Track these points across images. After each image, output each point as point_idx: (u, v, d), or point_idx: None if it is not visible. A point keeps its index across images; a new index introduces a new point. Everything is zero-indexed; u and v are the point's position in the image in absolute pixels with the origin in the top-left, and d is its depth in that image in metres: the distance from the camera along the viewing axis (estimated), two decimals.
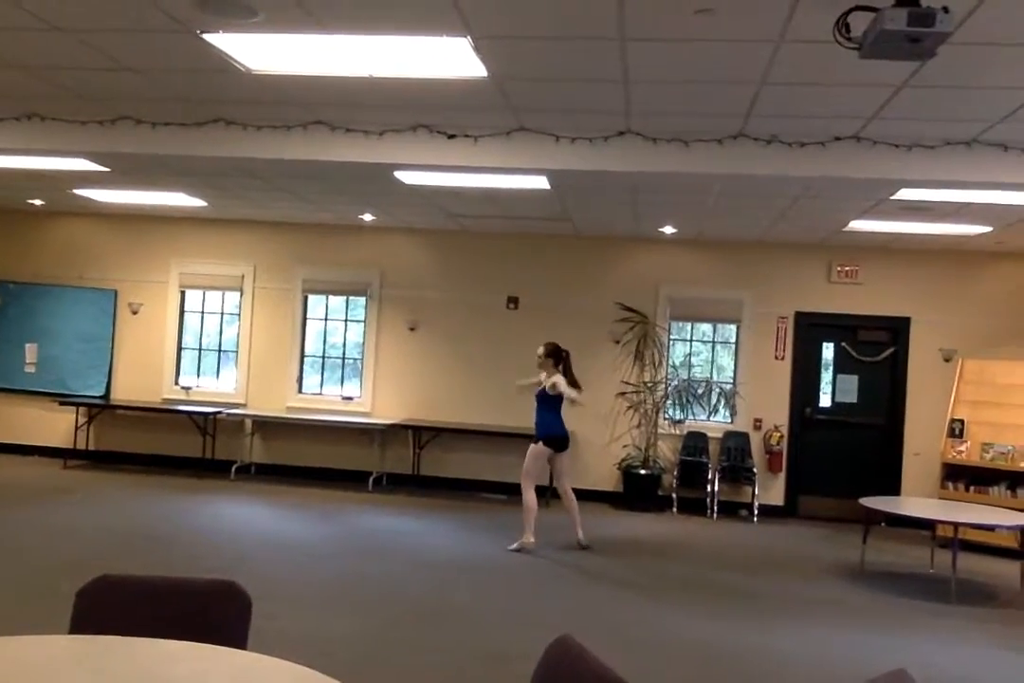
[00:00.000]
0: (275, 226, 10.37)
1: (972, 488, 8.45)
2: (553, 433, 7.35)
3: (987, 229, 8.01)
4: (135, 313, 10.57)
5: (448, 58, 4.46)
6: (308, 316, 10.52)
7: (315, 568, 6.35)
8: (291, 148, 5.95)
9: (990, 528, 7.46)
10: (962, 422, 8.72)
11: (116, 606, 2.57)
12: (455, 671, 4.53)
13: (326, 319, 10.59)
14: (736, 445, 9.58)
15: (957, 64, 4.08)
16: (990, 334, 9.39)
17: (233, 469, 9.95)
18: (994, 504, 7.73)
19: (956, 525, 6.68)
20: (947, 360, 9.40)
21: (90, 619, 2.50)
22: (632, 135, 5.57)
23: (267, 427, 10.23)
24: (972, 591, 6.76)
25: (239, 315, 10.49)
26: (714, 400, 9.53)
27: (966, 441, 8.63)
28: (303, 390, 10.43)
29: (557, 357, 7.40)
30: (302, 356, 10.45)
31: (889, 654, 5.13)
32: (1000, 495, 8.26)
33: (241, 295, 10.45)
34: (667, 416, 9.70)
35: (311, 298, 10.52)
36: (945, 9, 3.02)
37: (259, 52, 4.55)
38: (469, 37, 4.15)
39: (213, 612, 2.56)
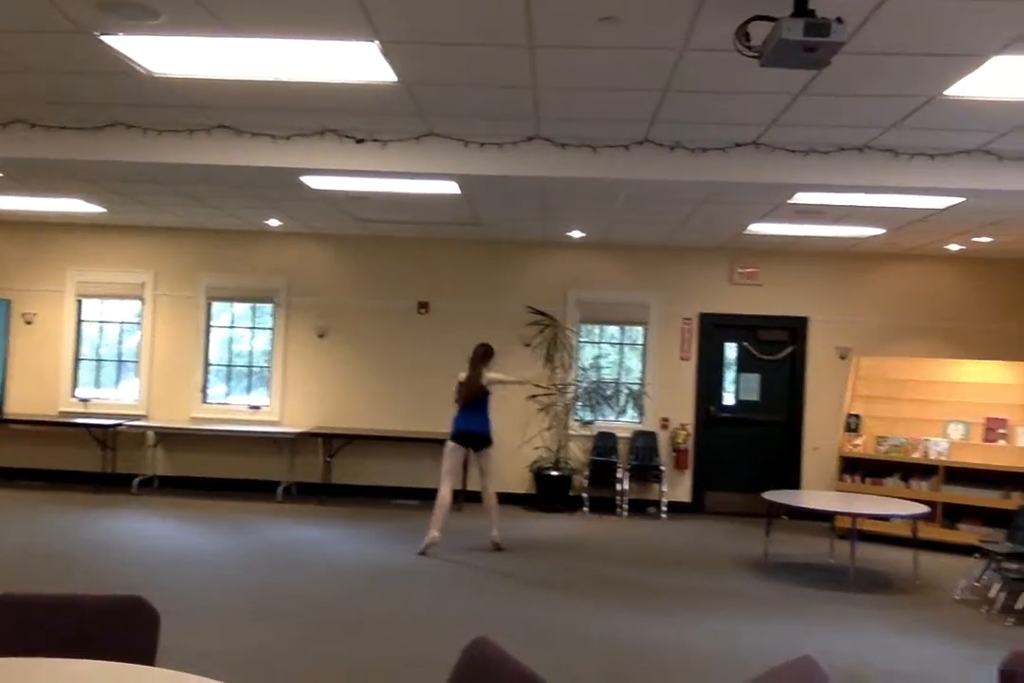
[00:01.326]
0: (177, 232, 10.12)
1: (868, 480, 8.82)
2: (458, 428, 7.45)
3: (879, 231, 8.38)
4: (29, 323, 10.16)
5: (357, 62, 4.44)
6: (212, 324, 10.29)
7: (224, 581, 6.22)
8: (194, 153, 5.82)
9: (885, 518, 7.80)
10: (858, 417, 9.09)
11: (17, 626, 2.48)
12: (369, 681, 4.50)
13: (232, 327, 10.38)
14: (644, 444, 9.77)
15: (850, 73, 4.27)
16: (883, 332, 9.82)
17: (135, 483, 9.65)
18: (889, 495, 8.09)
19: (854, 516, 6.97)
20: (843, 358, 9.78)
21: None
22: (541, 140, 5.64)
23: (170, 439, 9.96)
24: (869, 579, 7.05)
25: (140, 324, 10.19)
26: (623, 401, 9.72)
27: (862, 435, 9.00)
28: (208, 400, 10.19)
29: (474, 359, 7.57)
30: (207, 365, 10.22)
31: (792, 642, 5.32)
32: (894, 486, 8.63)
33: (142, 303, 10.16)
34: (577, 417, 9.84)
35: (215, 305, 10.29)
36: (839, 20, 3.16)
37: (161, 54, 4.44)
38: (378, 42, 4.15)
39: (119, 629, 2.49)
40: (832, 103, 4.77)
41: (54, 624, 2.51)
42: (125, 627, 2.53)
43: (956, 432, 8.62)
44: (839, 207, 7.18)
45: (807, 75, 4.28)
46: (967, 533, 8.09)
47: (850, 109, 4.86)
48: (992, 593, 6.31)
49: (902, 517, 7.37)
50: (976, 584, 6.65)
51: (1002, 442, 8.41)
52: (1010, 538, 6.66)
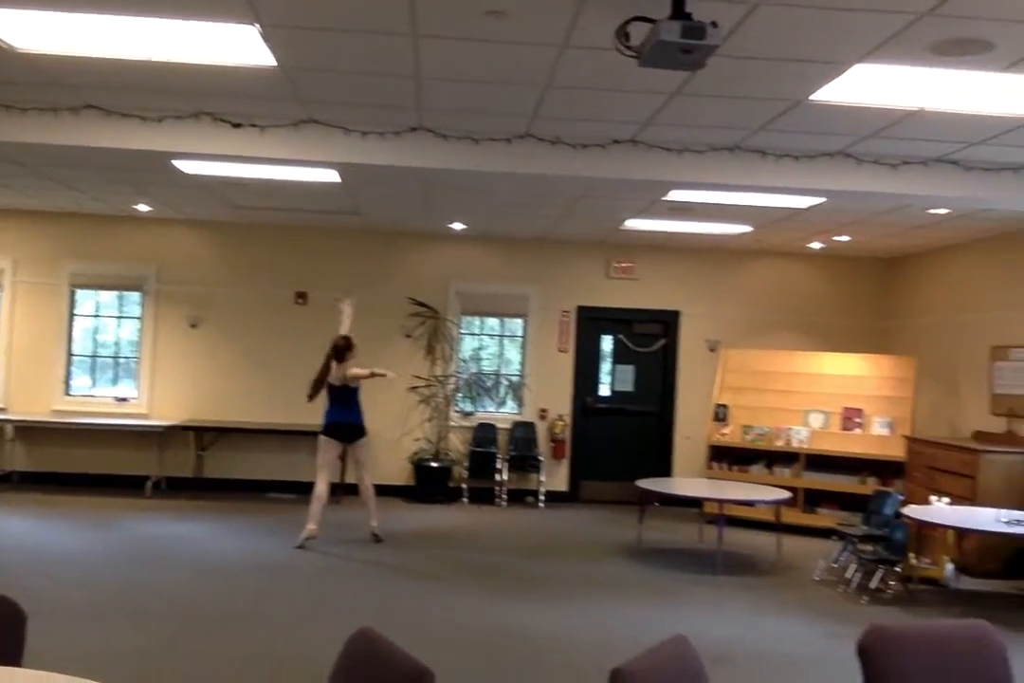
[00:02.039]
0: (39, 216, 9.62)
1: (735, 467, 9.20)
2: (330, 421, 7.42)
3: (747, 229, 8.72)
4: None
5: (235, 45, 4.34)
6: (76, 313, 9.84)
7: (92, 580, 5.99)
8: (60, 133, 5.55)
9: (751, 504, 8.15)
10: (725, 407, 9.45)
11: None
12: (247, 678, 4.43)
13: (97, 316, 9.96)
14: (523, 435, 9.90)
15: (722, 75, 4.44)
16: (750, 326, 10.24)
17: None
18: (754, 481, 8.46)
19: (721, 502, 7.26)
20: (712, 350, 10.15)
21: None
22: (424, 131, 5.63)
23: (31, 432, 9.48)
24: (736, 562, 7.36)
25: None
26: (502, 392, 9.83)
27: (729, 424, 9.37)
28: (71, 392, 9.75)
29: (338, 352, 7.56)
30: (70, 355, 9.77)
31: (665, 624, 5.50)
32: (759, 473, 9.03)
33: None
34: (458, 409, 9.88)
35: (80, 293, 9.85)
36: (714, 24, 3.29)
37: (26, 30, 4.22)
38: (258, 25, 4.06)
39: None
40: (705, 104, 4.95)
41: None
42: None
43: (816, 421, 9.08)
44: (710, 205, 7.44)
45: (682, 76, 4.42)
46: (826, 517, 8.53)
47: (722, 110, 5.05)
48: (848, 574, 6.68)
49: (766, 502, 7.73)
50: (834, 565, 7.03)
51: (858, 431, 8.91)
52: (865, 521, 7.07)
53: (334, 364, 7.46)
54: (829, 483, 8.73)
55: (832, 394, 9.14)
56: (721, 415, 9.44)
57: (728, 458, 9.27)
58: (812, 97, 4.72)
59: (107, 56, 4.56)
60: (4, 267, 9.59)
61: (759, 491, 7.69)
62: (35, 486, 9.25)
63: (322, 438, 7.41)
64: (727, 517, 7.44)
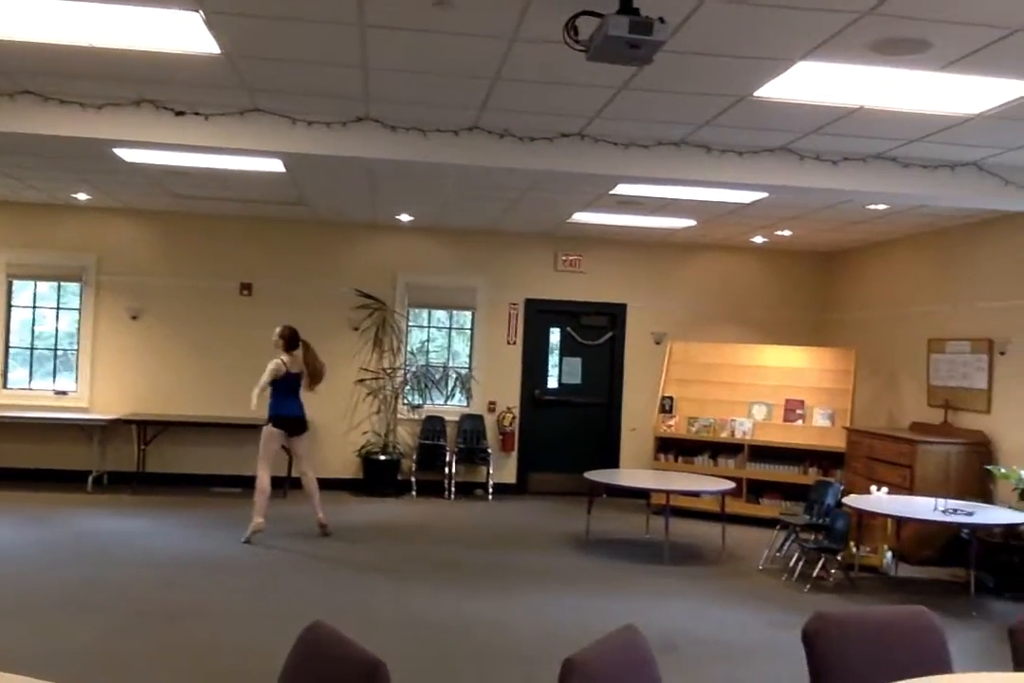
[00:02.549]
0: None
1: (681, 458, 9.31)
2: (281, 413, 7.33)
3: (692, 223, 8.82)
4: None
5: (178, 32, 4.25)
6: (13, 304, 9.60)
7: (33, 578, 5.86)
8: None
9: (696, 494, 8.27)
10: (671, 399, 9.56)
11: None
12: (197, 673, 4.39)
13: (34, 307, 9.72)
14: (472, 427, 9.91)
15: (669, 71, 4.47)
16: (694, 319, 10.36)
17: None
18: (699, 472, 8.59)
19: (667, 493, 7.35)
20: (658, 343, 10.26)
21: None
22: (370, 122, 5.58)
23: None
24: (682, 552, 7.46)
25: None
26: (451, 385, 9.81)
27: (675, 416, 9.48)
28: (8, 385, 9.52)
29: (291, 341, 7.40)
30: (7, 348, 9.53)
31: (613, 614, 5.55)
32: (704, 464, 9.16)
33: None
34: (406, 401, 9.85)
35: (16, 284, 9.60)
36: (661, 19, 3.31)
37: None
38: (201, 11, 3.99)
39: None
40: (652, 99, 4.98)
41: None
42: None
43: (759, 413, 9.23)
44: (657, 199, 7.51)
45: (629, 71, 4.45)
46: (769, 507, 8.70)
47: (668, 105, 5.09)
48: (792, 562, 6.82)
49: (711, 493, 7.85)
50: (777, 554, 7.17)
51: (800, 422, 9.08)
52: (807, 511, 7.22)
53: (288, 354, 7.36)
54: (772, 473, 8.88)
55: (775, 386, 9.29)
56: (667, 407, 9.55)
57: (674, 449, 9.38)
58: (756, 93, 4.78)
59: (46, 41, 4.44)
60: None
61: (704, 482, 7.81)
62: None
63: (269, 430, 7.33)
64: (673, 508, 7.54)
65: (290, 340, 7.42)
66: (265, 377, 7.27)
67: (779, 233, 9.26)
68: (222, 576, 6.12)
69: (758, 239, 9.77)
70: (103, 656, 4.47)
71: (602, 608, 5.73)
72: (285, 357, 7.39)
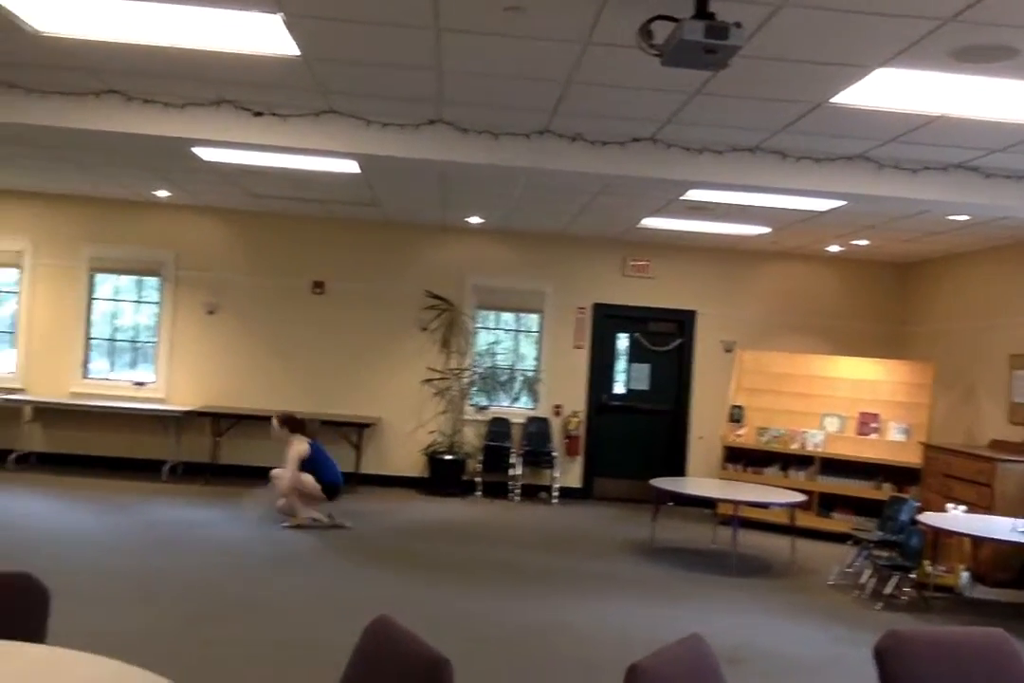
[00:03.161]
0: (59, 199, 9.70)
1: (749, 469, 9.15)
2: (334, 480, 7.59)
3: (765, 230, 8.66)
4: None
5: (259, 34, 4.34)
6: (95, 296, 9.91)
7: (107, 562, 6.04)
8: (81, 117, 5.58)
9: (765, 506, 8.11)
10: (741, 408, 9.41)
11: None
12: (263, 662, 4.46)
13: (116, 300, 10.02)
14: (537, 430, 9.89)
15: (744, 76, 4.40)
16: (766, 327, 10.18)
17: (11, 459, 9.24)
18: (769, 483, 8.42)
19: (736, 503, 7.22)
20: (728, 351, 10.10)
21: None
22: (443, 124, 5.62)
23: (49, 414, 9.57)
24: (750, 564, 7.33)
25: (17, 293, 9.74)
26: (517, 387, 9.81)
27: (744, 426, 9.32)
28: (90, 375, 9.83)
29: (294, 424, 7.64)
30: (88, 338, 9.85)
31: (678, 623, 5.49)
32: (774, 475, 8.99)
33: (20, 272, 9.71)
34: (472, 402, 9.88)
35: (98, 277, 9.92)
36: (738, 24, 3.26)
37: (50, 12, 4.24)
38: (282, 14, 4.06)
39: (8, 606, 2.41)
40: (726, 104, 4.91)
41: None
42: (13, 605, 2.45)
43: (832, 425, 9.02)
44: (729, 205, 7.40)
45: (704, 75, 4.39)
46: (840, 521, 8.50)
47: (743, 111, 5.01)
48: (863, 579, 6.64)
49: (780, 505, 7.68)
50: (848, 570, 6.99)
51: (874, 436, 8.85)
52: (880, 527, 7.03)
53: (297, 435, 7.62)
54: (844, 487, 8.67)
55: (848, 398, 9.07)
56: (736, 416, 9.40)
57: (743, 459, 9.23)
58: (833, 100, 4.68)
59: (132, 41, 4.58)
60: (24, 248, 9.67)
61: (774, 493, 7.65)
62: (52, 467, 9.34)
63: (313, 484, 7.52)
64: (741, 519, 7.40)
65: (293, 424, 7.62)
66: (292, 465, 7.43)
67: (855, 242, 9.05)
68: (289, 568, 6.21)
69: (833, 248, 9.56)
70: (173, 643, 4.58)
71: (666, 617, 5.66)
72: (298, 440, 7.56)
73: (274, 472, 7.62)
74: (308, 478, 7.42)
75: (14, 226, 9.69)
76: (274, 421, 7.61)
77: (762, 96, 4.73)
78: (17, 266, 9.70)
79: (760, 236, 9.03)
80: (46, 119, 5.56)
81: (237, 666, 4.37)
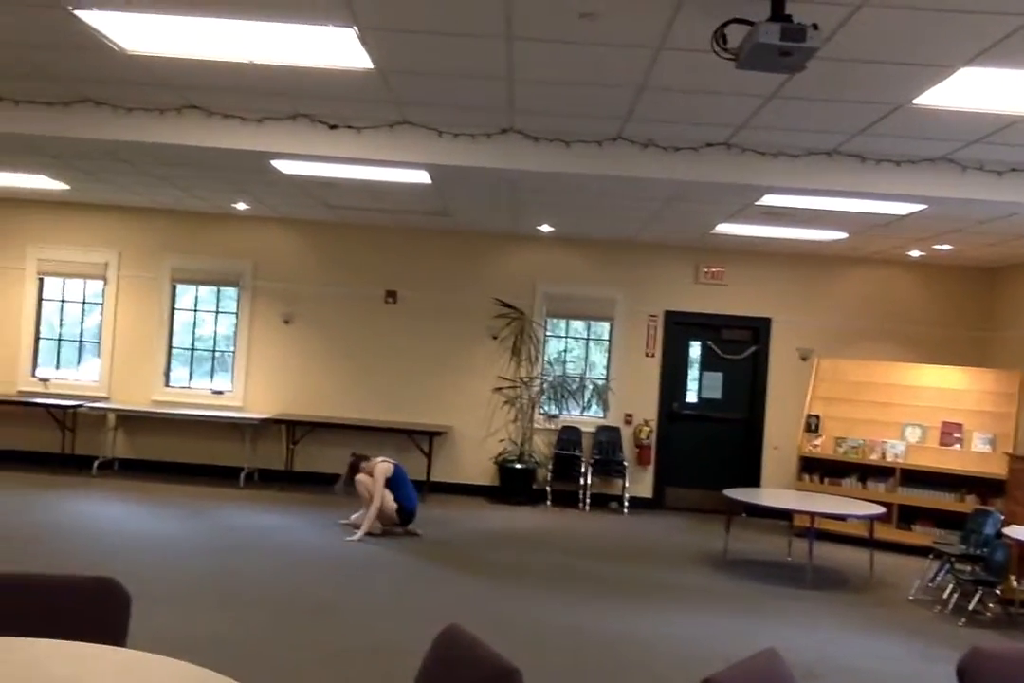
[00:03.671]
0: (142, 212, 10.00)
1: (826, 480, 8.95)
2: (412, 507, 7.69)
3: (843, 235, 8.48)
4: None
5: (333, 48, 4.41)
6: (176, 306, 10.19)
7: (186, 566, 6.18)
8: (163, 132, 5.75)
9: (842, 518, 7.92)
10: (817, 417, 9.21)
11: None
12: (336, 667, 4.51)
13: (196, 310, 10.28)
14: (608, 439, 9.83)
15: (821, 78, 4.32)
16: (843, 335, 9.96)
17: (95, 465, 9.54)
18: (846, 495, 8.21)
19: (812, 515, 7.06)
20: (804, 359, 9.90)
21: None
22: (514, 133, 5.64)
23: (132, 421, 9.85)
24: (826, 577, 7.16)
25: (102, 304, 10.06)
26: (587, 395, 9.77)
27: (821, 435, 9.12)
28: (170, 383, 10.10)
29: (363, 459, 7.80)
30: (169, 348, 10.12)
31: (751, 636, 5.39)
32: (852, 486, 8.77)
33: (104, 283, 10.03)
34: (542, 411, 9.87)
35: (179, 288, 10.19)
36: (815, 26, 3.20)
37: (134, 32, 4.38)
38: (356, 28, 4.13)
39: (90, 610, 2.48)
40: (803, 107, 4.82)
41: (24, 603, 2.49)
42: (97, 608, 2.52)
43: (913, 435, 8.77)
44: (805, 210, 7.26)
45: (780, 79, 4.32)
46: (921, 535, 8.25)
47: (820, 114, 4.92)
48: (945, 594, 6.44)
49: (859, 517, 7.49)
50: (930, 585, 6.79)
51: (957, 446, 8.57)
52: (963, 540, 6.80)
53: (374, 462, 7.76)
54: (925, 499, 8.42)
55: (930, 407, 8.81)
56: (813, 426, 9.20)
57: (819, 470, 9.03)
58: (915, 101, 4.56)
59: (210, 58, 4.70)
60: (109, 260, 9.99)
61: (852, 505, 7.46)
62: (134, 473, 9.61)
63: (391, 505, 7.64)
64: (817, 531, 7.24)
65: (362, 458, 7.80)
66: (380, 483, 7.52)
67: (937, 247, 8.79)
68: (361, 574, 6.28)
69: (914, 253, 9.31)
70: (249, 647, 4.66)
71: (739, 630, 5.56)
72: (381, 460, 7.71)
73: (359, 477, 7.68)
74: (389, 497, 7.50)
75: (100, 239, 10.03)
76: (362, 465, 7.72)
77: (840, 98, 4.64)
78: (103, 278, 10.02)
79: (837, 241, 8.85)
80: (131, 135, 5.74)
81: (311, 670, 4.42)
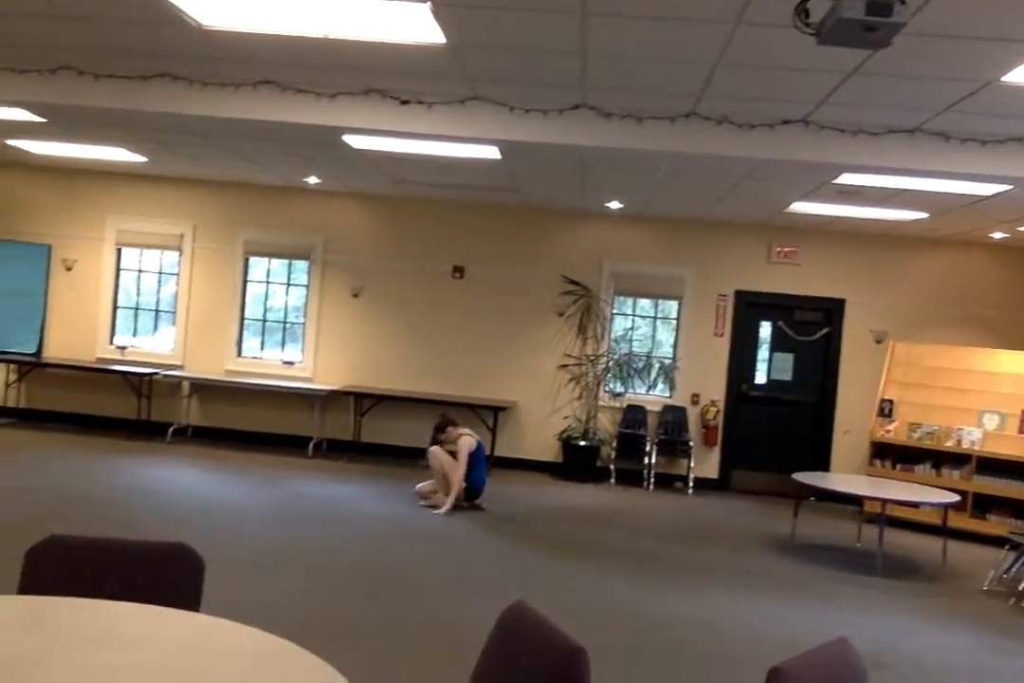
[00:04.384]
0: (217, 185, 10.17)
1: (899, 466, 8.75)
2: (481, 486, 7.68)
3: (922, 215, 8.21)
4: (69, 269, 10.31)
5: (407, 23, 4.40)
6: (249, 278, 10.37)
7: (257, 533, 6.34)
8: (238, 107, 5.82)
9: (915, 505, 7.74)
10: (891, 402, 9.00)
11: (66, 567, 2.54)
12: (400, 637, 4.58)
13: (267, 282, 10.45)
14: (674, 419, 9.75)
15: (906, 54, 4.16)
16: (920, 318, 9.68)
17: (170, 431, 9.81)
18: (919, 482, 8.01)
19: (883, 501, 6.92)
20: (878, 342, 9.67)
21: (40, 580, 2.48)
22: (586, 109, 5.57)
23: (205, 390, 10.10)
24: (897, 565, 7.03)
25: (177, 275, 10.30)
26: (654, 374, 9.69)
27: (894, 420, 8.91)
28: (243, 353, 10.31)
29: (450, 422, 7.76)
30: (242, 319, 10.32)
31: (819, 623, 5.33)
32: (925, 473, 8.56)
33: (180, 254, 10.25)
34: (608, 389, 9.83)
35: (252, 260, 10.36)
36: (902, 0, 3.07)
37: (212, 6, 4.43)
38: (430, 3, 4.10)
39: (165, 574, 2.55)
40: (885, 84, 4.66)
41: (101, 567, 2.56)
42: (171, 573, 2.59)
43: (991, 422, 8.51)
44: (884, 189, 7.04)
45: (862, 54, 4.18)
46: (997, 524, 8.03)
47: (903, 91, 4.75)
48: (1021, 586, 6.27)
49: (932, 505, 7.32)
50: (1004, 576, 6.62)
51: None
52: None
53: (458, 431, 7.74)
54: (1002, 488, 8.18)
55: (1010, 394, 8.53)
56: (886, 410, 9.00)
57: (892, 456, 8.83)
58: (1004, 78, 4.37)
59: (286, 33, 4.72)
60: (185, 232, 10.20)
61: (925, 492, 7.28)
62: (206, 440, 9.86)
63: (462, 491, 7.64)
64: (889, 517, 7.08)
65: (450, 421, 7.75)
66: (463, 457, 7.51)
67: (1022, 229, 8.47)
68: (426, 546, 6.36)
69: (997, 235, 8.97)
70: (315, 614, 4.76)
71: (807, 616, 5.49)
72: (469, 435, 7.67)
73: (432, 449, 7.69)
74: (460, 474, 7.50)
75: (176, 211, 10.24)
76: (448, 429, 7.67)
77: (925, 75, 4.46)
78: (178, 249, 10.24)
79: (916, 221, 8.58)
80: (205, 109, 5.82)
81: (376, 639, 4.50)
